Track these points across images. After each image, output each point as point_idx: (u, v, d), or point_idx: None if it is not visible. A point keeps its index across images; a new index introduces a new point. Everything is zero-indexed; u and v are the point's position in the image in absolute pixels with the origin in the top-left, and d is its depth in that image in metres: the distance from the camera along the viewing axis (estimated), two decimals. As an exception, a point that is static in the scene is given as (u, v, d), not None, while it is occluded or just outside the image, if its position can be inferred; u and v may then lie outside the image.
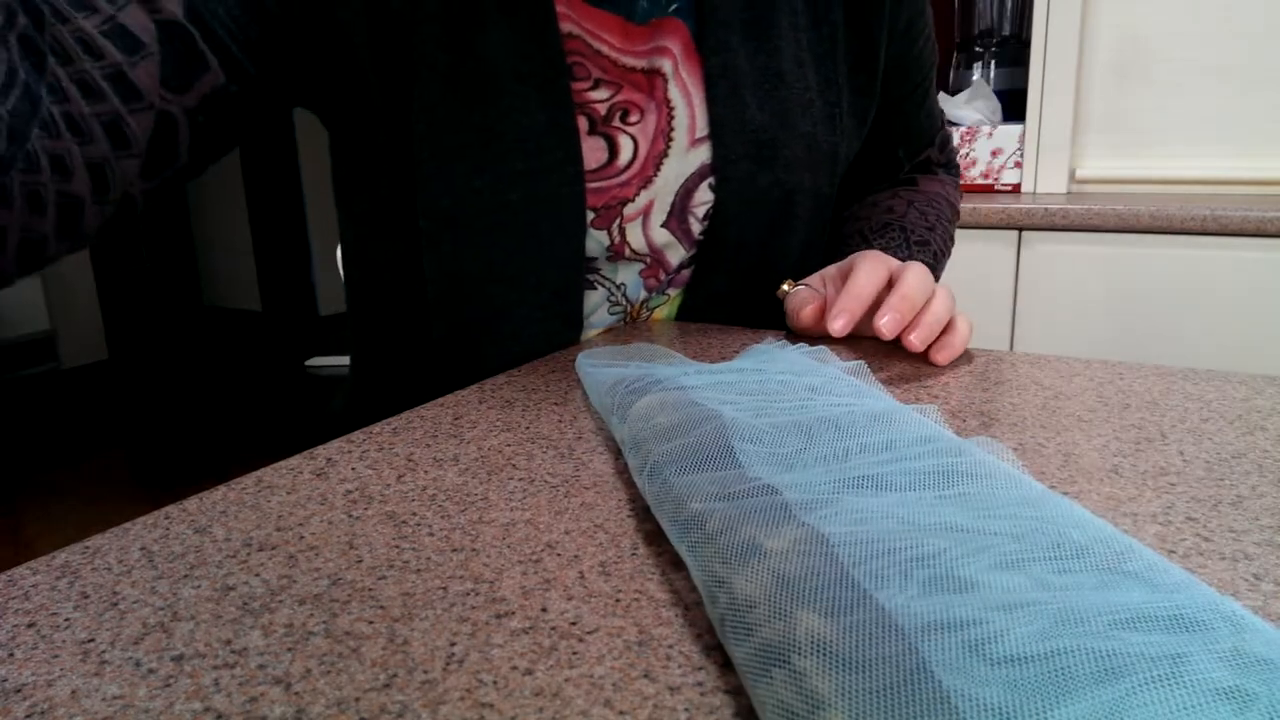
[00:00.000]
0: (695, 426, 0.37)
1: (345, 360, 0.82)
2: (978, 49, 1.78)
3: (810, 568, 0.26)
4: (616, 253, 0.64)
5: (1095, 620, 0.23)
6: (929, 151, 0.82)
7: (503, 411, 0.50)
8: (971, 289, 1.50)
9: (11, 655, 0.28)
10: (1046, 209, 1.41)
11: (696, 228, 0.66)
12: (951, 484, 0.32)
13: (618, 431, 0.42)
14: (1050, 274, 1.45)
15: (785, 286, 0.65)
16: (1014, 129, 1.66)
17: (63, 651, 0.28)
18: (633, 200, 0.63)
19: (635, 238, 0.64)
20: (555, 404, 0.51)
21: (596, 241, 0.63)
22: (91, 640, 0.28)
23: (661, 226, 0.64)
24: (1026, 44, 1.68)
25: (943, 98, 1.73)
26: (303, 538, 0.35)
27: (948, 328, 0.56)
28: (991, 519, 0.29)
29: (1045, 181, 1.66)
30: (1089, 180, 1.66)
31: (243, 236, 4.73)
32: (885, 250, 0.68)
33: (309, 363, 3.67)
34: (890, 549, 0.27)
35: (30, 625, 0.29)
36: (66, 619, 0.30)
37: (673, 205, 0.64)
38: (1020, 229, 1.45)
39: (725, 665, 0.26)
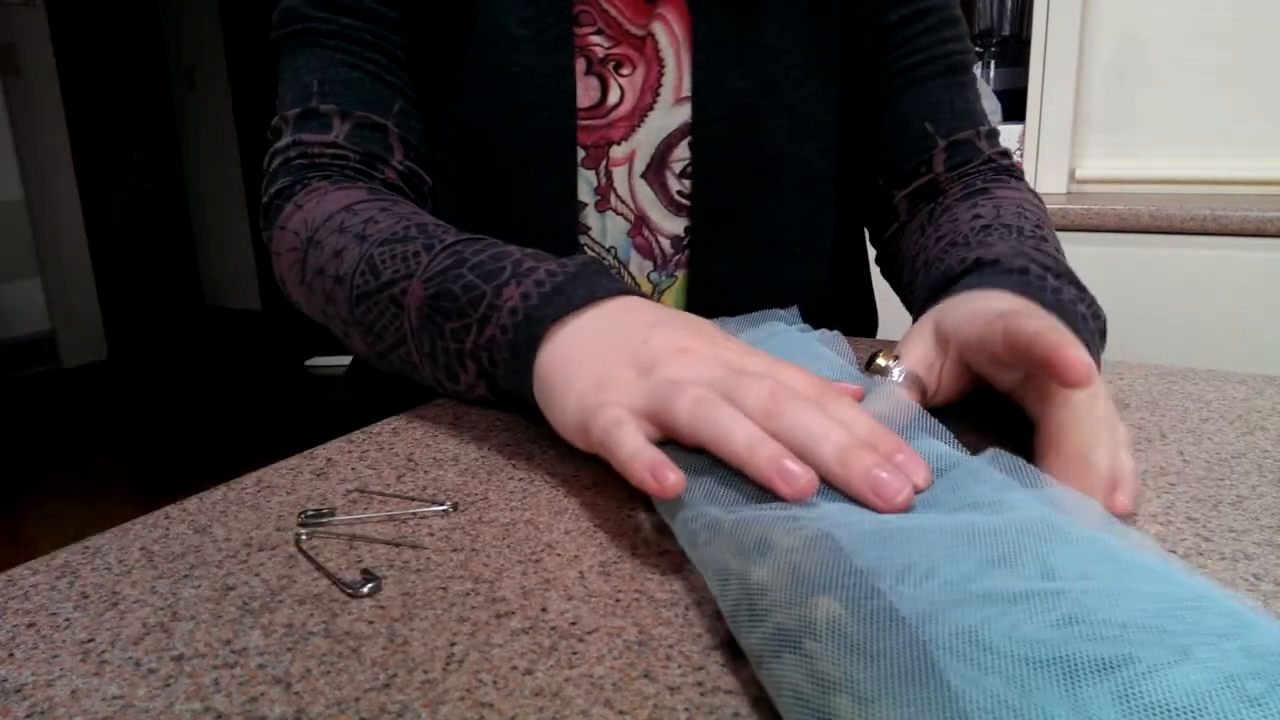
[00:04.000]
0: None
1: (345, 360, 0.82)
2: (978, 49, 1.78)
3: (820, 560, 0.26)
4: (603, 198, 0.68)
5: (1102, 616, 0.23)
6: (970, 134, 0.71)
7: (503, 411, 0.50)
8: (971, 289, 1.49)
9: (11, 655, 0.28)
10: (1046, 209, 1.41)
11: (674, 185, 0.69)
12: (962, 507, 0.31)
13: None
14: (1050, 274, 1.45)
15: (881, 360, 0.46)
16: (1014, 129, 1.66)
17: (63, 651, 0.28)
18: (619, 144, 0.67)
19: (621, 185, 0.68)
20: (555, 404, 0.51)
21: (586, 183, 0.67)
22: (91, 640, 0.28)
23: (640, 177, 0.68)
24: (1026, 44, 1.68)
25: (943, 98, 1.73)
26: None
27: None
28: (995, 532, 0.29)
29: (1045, 181, 1.66)
30: (1089, 180, 1.66)
31: (243, 236, 4.73)
32: (1005, 255, 0.49)
33: (309, 363, 3.66)
34: (895, 546, 0.27)
35: (30, 625, 0.29)
36: (66, 619, 0.30)
37: (653, 158, 0.68)
38: (1020, 229, 1.45)
39: (725, 665, 0.26)
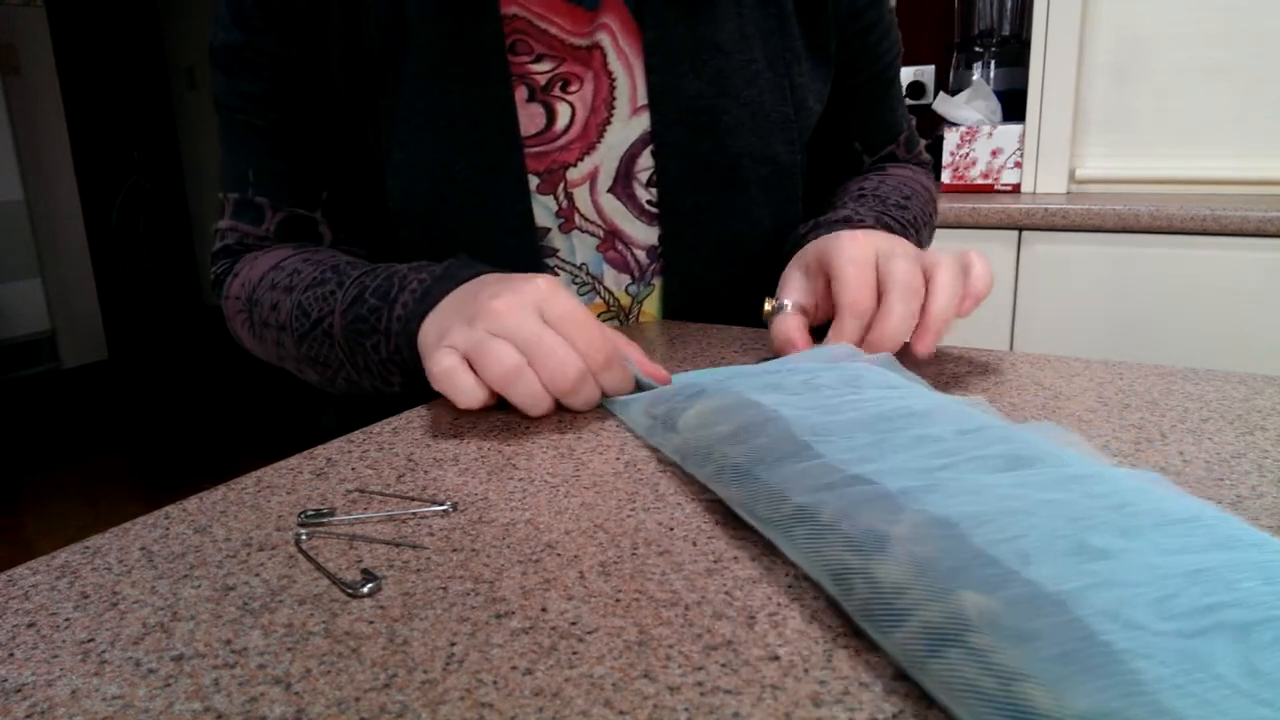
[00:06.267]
0: (761, 429, 0.38)
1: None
2: (978, 49, 1.77)
3: (941, 548, 0.27)
4: (567, 219, 0.68)
5: (1244, 583, 0.24)
6: (892, 148, 0.82)
7: (503, 411, 0.50)
8: (971, 289, 1.49)
9: (11, 655, 0.28)
10: (1046, 209, 1.41)
11: (642, 195, 0.69)
12: (1025, 465, 0.33)
13: (667, 443, 0.42)
14: (1050, 274, 1.45)
15: (767, 306, 0.60)
16: (1014, 129, 1.66)
17: (63, 651, 0.28)
18: (575, 165, 0.67)
19: (584, 204, 0.68)
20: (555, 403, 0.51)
21: (545, 208, 0.67)
22: (91, 640, 0.28)
23: (608, 192, 0.68)
24: (1026, 44, 1.68)
25: (943, 98, 1.73)
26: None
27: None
28: (1082, 495, 0.30)
29: (1045, 181, 1.66)
30: (1089, 180, 1.67)
31: (243, 236, 4.72)
32: (858, 216, 0.65)
33: (309, 363, 3.66)
34: (1002, 524, 0.28)
35: (30, 625, 0.29)
36: (66, 619, 0.30)
37: (617, 171, 0.68)
38: (1020, 229, 1.45)
39: (725, 665, 0.26)
